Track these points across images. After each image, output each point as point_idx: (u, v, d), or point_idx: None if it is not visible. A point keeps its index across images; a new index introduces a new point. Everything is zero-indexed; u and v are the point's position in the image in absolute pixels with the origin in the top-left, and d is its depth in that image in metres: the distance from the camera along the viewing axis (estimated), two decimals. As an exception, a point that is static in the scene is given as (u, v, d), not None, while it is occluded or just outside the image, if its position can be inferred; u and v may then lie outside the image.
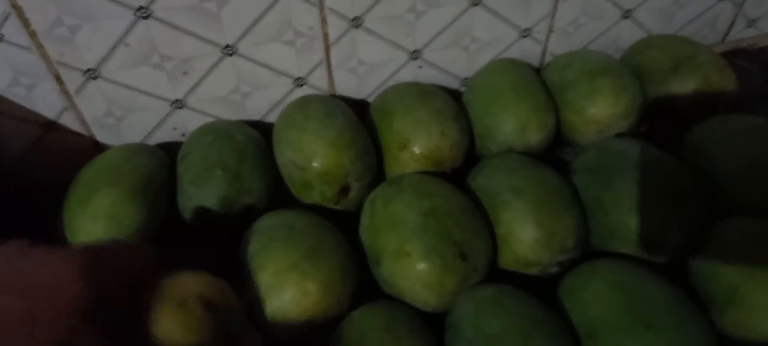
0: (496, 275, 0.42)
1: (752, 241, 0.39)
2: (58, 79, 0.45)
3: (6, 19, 0.40)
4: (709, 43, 0.62)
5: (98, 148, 0.51)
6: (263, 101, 0.52)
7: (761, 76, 0.59)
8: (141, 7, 0.42)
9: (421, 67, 0.53)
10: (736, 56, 0.61)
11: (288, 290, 0.37)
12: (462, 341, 0.36)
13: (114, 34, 0.43)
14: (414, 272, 0.39)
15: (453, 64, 0.54)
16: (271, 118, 0.53)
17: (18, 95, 0.45)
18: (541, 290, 0.40)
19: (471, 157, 0.50)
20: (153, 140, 0.52)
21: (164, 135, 0.52)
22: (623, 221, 0.42)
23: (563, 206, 0.42)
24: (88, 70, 0.45)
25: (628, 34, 0.58)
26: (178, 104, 0.50)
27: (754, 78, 0.59)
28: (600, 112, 0.49)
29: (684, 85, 0.50)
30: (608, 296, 0.37)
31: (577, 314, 0.38)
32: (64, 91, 0.46)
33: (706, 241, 0.41)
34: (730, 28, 0.61)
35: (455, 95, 0.53)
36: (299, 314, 0.37)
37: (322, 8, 0.46)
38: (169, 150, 0.50)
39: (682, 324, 0.35)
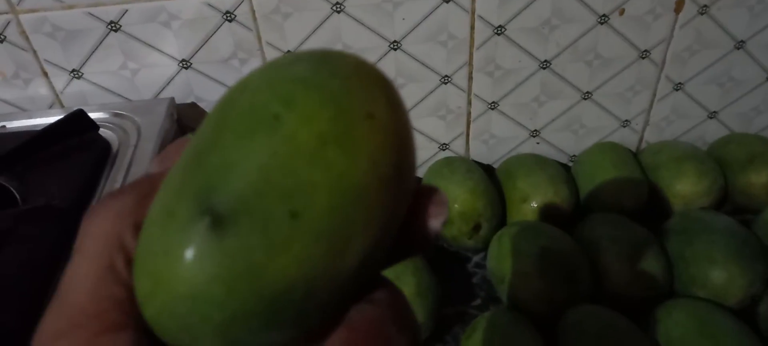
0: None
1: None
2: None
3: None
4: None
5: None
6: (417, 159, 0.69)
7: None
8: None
9: (538, 143, 0.69)
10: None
11: None
12: (569, 341, 0.49)
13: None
14: (532, 287, 0.52)
15: (563, 143, 0.69)
16: (419, 173, 0.70)
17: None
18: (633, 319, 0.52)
19: (578, 216, 0.64)
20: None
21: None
22: (700, 272, 0.53)
23: (650, 252, 0.54)
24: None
25: (713, 132, 0.70)
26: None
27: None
28: (685, 188, 0.61)
29: (758, 174, 0.61)
30: (685, 321, 0.49)
31: (661, 335, 0.49)
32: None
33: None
34: (808, 134, 0.72)
35: (565, 168, 0.67)
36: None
37: (469, 93, 0.63)
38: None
39: (743, 341, 0.46)
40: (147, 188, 0.17)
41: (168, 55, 0.57)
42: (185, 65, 0.58)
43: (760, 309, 0.51)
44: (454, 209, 0.60)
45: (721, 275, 0.52)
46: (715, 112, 0.68)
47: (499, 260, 0.56)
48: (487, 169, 0.69)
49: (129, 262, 0.16)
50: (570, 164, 0.70)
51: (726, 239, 0.53)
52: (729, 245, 0.53)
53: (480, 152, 0.69)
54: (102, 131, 0.54)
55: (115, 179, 0.51)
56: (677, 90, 0.65)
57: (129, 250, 0.16)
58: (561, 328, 0.50)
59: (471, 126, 0.66)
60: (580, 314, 0.50)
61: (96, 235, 0.16)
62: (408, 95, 0.62)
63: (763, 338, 0.50)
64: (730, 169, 0.63)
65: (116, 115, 0.57)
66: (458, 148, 0.68)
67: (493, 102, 0.64)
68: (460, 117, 0.65)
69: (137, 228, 0.16)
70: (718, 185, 0.61)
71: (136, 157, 0.52)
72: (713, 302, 0.51)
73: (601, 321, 0.48)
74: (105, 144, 0.53)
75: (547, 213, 0.61)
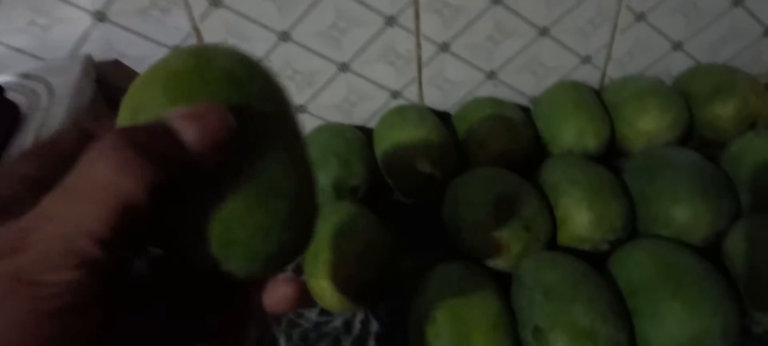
0: (556, 249, 0.52)
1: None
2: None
3: (191, 38, 0.55)
4: (755, 74, 0.69)
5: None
6: (366, 110, 0.65)
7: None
8: (283, 32, 0.56)
9: (495, 86, 0.65)
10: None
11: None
12: (524, 288, 0.46)
13: (260, 52, 0.57)
14: (487, 238, 0.49)
15: (523, 85, 0.65)
16: (371, 124, 0.65)
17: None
18: (595, 262, 0.49)
19: (538, 159, 0.60)
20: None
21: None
22: (663, 210, 0.50)
23: (612, 194, 0.51)
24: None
25: (679, 64, 0.66)
26: (301, 109, 0.63)
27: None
28: (648, 124, 0.58)
29: (725, 106, 0.58)
30: (647, 262, 0.46)
31: (622, 279, 0.47)
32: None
33: (736, 228, 0.48)
34: (776, 62, 0.69)
35: (525, 110, 0.63)
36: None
37: (418, 36, 0.59)
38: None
39: (707, 284, 0.43)
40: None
41: (79, 6, 0.51)
42: (100, 18, 0.52)
43: (725, 246, 0.49)
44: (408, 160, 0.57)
45: (684, 213, 0.49)
46: (679, 42, 0.65)
47: (454, 210, 0.53)
48: (444, 116, 0.65)
49: None
50: (531, 107, 0.67)
51: (690, 176, 0.50)
52: (693, 182, 0.50)
53: (435, 99, 0.65)
54: (10, 94, 0.49)
55: (24, 145, 0.46)
56: (639, 21, 0.61)
57: None
58: (517, 277, 0.47)
59: (423, 71, 0.62)
60: (537, 261, 0.47)
61: None
62: (352, 41, 0.58)
63: (728, 275, 0.48)
64: (695, 103, 0.60)
65: (26, 76, 0.51)
66: (411, 95, 0.64)
67: (444, 43, 0.60)
68: (410, 62, 0.61)
69: None
70: (683, 119, 0.58)
71: (48, 121, 0.47)
72: (676, 241, 0.49)
73: (558, 268, 0.46)
74: (12, 108, 0.48)
75: (506, 159, 0.58)
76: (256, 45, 0.56)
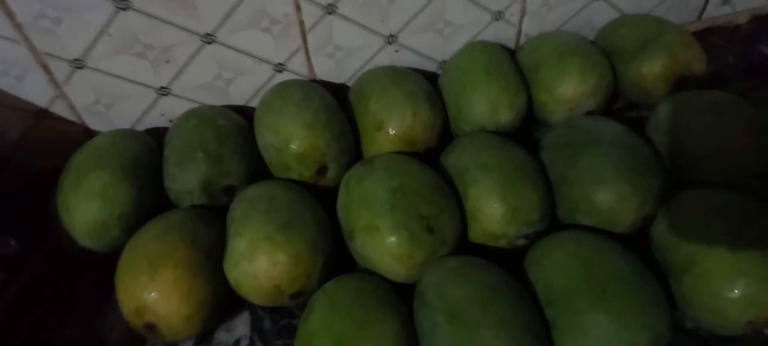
0: (467, 248, 0.44)
1: (708, 211, 0.40)
2: (46, 68, 0.47)
3: (-8, 13, 0.42)
4: (684, 21, 0.63)
5: (90, 135, 0.53)
6: (246, 87, 0.54)
7: (735, 53, 0.60)
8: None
9: (397, 51, 0.55)
10: (712, 34, 0.62)
11: (260, 258, 0.40)
12: (427, 308, 0.38)
13: (96, 25, 0.45)
14: (384, 245, 0.41)
15: (429, 47, 0.56)
16: (254, 103, 0.55)
17: (9, 85, 0.48)
18: (511, 261, 0.42)
19: (447, 137, 0.52)
20: (142, 126, 0.54)
21: (153, 121, 0.54)
22: (585, 195, 0.43)
23: (529, 182, 0.44)
24: (74, 60, 0.47)
25: (602, 15, 0.59)
26: (164, 91, 0.52)
27: (728, 56, 0.60)
28: (568, 91, 0.50)
29: (652, 63, 0.51)
30: (568, 265, 0.39)
31: (539, 283, 0.40)
32: (53, 81, 0.48)
33: (665, 212, 0.42)
34: (705, 6, 0.62)
35: (433, 78, 0.54)
36: (268, 281, 0.40)
37: (297, -4, 0.48)
38: (158, 136, 0.52)
39: (635, 290, 0.37)
40: None
41: None
42: None
43: (652, 232, 0.43)
44: (290, 150, 0.47)
45: (608, 197, 0.42)
46: (602, -10, 0.57)
47: (347, 212, 0.44)
48: (341, 91, 0.55)
49: None
50: (440, 72, 0.58)
51: (613, 154, 0.44)
52: (617, 161, 0.43)
53: (327, 70, 0.55)
54: None
55: None
56: (557, -33, 0.53)
57: None
58: (419, 292, 0.40)
59: (308, 38, 0.52)
60: (441, 274, 0.39)
61: None
62: (210, 6, 0.46)
63: (657, 266, 0.42)
64: (620, 60, 0.53)
65: None
66: (299, 67, 0.54)
67: (329, 4, 0.49)
68: (290, 28, 0.50)
69: None
70: (606, 81, 0.51)
71: None
72: (600, 233, 0.42)
73: (465, 282, 0.38)
74: None
75: (409, 141, 0.49)
76: (92, 15, 0.44)
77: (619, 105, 0.55)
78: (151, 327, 0.41)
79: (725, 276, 0.37)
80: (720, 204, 0.41)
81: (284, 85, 0.51)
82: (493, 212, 0.43)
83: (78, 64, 0.47)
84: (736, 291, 0.37)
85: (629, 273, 0.38)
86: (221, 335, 0.45)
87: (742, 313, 0.37)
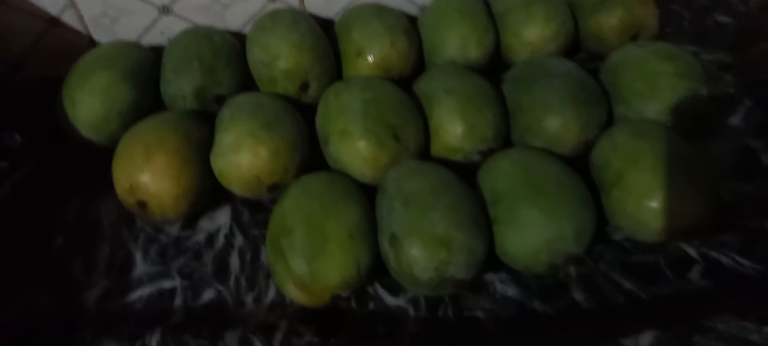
0: (428, 160, 0.50)
1: (639, 137, 0.46)
2: (61, -24, 0.52)
3: None
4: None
5: (94, 46, 0.58)
6: (241, 14, 0.59)
7: (690, 19, 0.65)
8: None
9: (382, -9, 0.60)
10: (672, 1, 0.67)
11: (244, 150, 0.45)
12: (386, 197, 0.44)
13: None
14: (354, 148, 0.46)
15: (411, -9, 0.61)
16: (248, 31, 0.60)
17: (26, -11, 0.53)
18: (466, 175, 0.48)
19: (421, 69, 0.57)
20: (143, 43, 0.59)
21: (153, 39, 0.59)
22: (536, 120, 0.49)
23: (486, 104, 0.49)
24: (87, -31, 0.52)
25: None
26: (165, 10, 0.57)
27: (683, 21, 0.65)
28: (532, 34, 0.56)
29: (610, 16, 0.57)
30: (511, 170, 0.45)
31: (487, 188, 0.45)
32: (66, -11, 0.53)
33: (604, 137, 0.48)
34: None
35: (412, 19, 0.60)
36: (250, 171, 0.45)
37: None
38: (158, 53, 0.57)
39: (565, 191, 0.42)
40: None
41: None
42: None
43: (591, 155, 0.48)
44: (277, 66, 0.52)
45: (555, 122, 0.48)
46: (573, -48, 0.62)
47: (324, 120, 0.50)
48: (327, 24, 0.61)
49: None
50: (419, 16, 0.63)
51: (562, 85, 0.49)
52: (566, 91, 0.48)
53: (317, 4, 0.60)
54: None
55: None
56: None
57: None
58: (381, 186, 0.45)
59: (300, -30, 0.57)
60: (402, 171, 0.45)
61: None
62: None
63: (592, 184, 0.47)
64: (582, 12, 0.58)
65: None
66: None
67: (320, -62, 0.55)
68: (284, -42, 0.55)
69: None
70: (567, 28, 0.57)
71: None
72: (544, 151, 0.48)
73: (421, 177, 0.44)
74: None
75: (385, 68, 0.54)
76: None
77: (581, 56, 0.61)
78: (142, 205, 0.46)
79: (647, 190, 0.43)
80: (650, 133, 0.46)
81: (276, 11, 0.56)
82: (453, 129, 0.48)
83: (90, -27, 0.52)
84: (654, 203, 0.43)
85: (564, 179, 0.43)
86: (204, 223, 0.50)
87: (659, 221, 0.43)
